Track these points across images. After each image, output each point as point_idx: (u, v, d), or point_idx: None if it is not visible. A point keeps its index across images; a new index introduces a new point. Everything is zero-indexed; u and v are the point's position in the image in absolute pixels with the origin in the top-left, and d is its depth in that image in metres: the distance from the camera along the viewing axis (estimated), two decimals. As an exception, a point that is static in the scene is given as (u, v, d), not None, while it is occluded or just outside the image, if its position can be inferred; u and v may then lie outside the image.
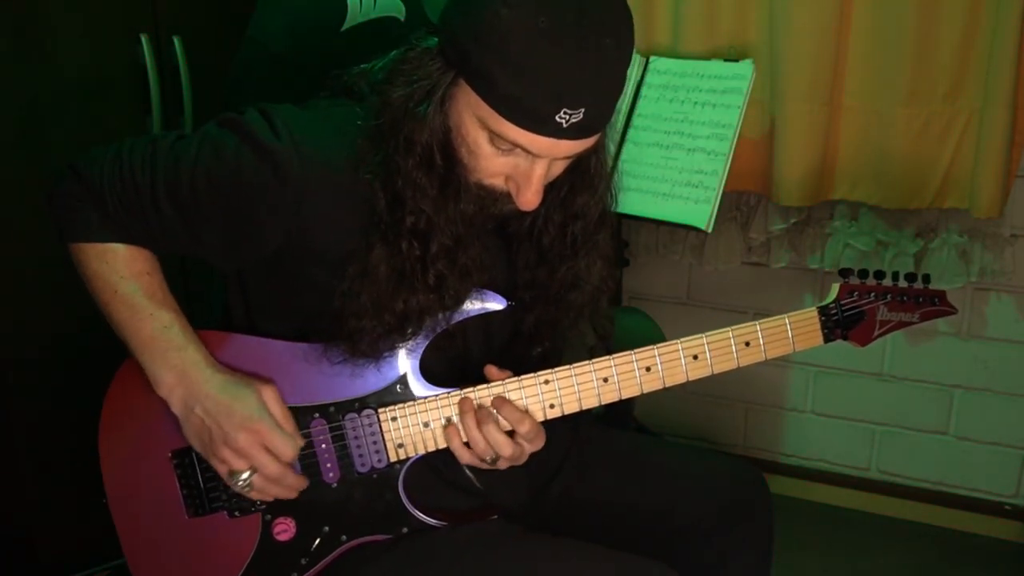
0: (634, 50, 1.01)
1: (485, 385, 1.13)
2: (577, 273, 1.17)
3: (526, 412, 1.12)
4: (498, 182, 1.05)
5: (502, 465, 1.13)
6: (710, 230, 1.80)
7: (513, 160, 1.02)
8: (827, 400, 2.49)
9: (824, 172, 2.12)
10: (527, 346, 1.22)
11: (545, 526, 1.26)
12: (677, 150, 1.88)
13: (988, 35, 1.91)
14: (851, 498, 2.49)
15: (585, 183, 1.13)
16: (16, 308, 1.80)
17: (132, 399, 1.17)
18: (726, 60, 1.90)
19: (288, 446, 1.08)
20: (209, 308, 1.26)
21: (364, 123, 1.07)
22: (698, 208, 1.81)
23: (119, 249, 1.12)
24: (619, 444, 1.37)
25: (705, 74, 1.90)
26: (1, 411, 1.81)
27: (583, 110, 0.95)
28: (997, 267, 2.14)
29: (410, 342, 1.12)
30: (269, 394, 1.09)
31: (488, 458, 1.12)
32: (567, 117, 0.95)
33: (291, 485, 1.11)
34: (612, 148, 1.92)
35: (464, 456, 1.13)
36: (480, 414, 1.11)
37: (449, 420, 1.13)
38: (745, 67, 1.85)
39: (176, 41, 1.93)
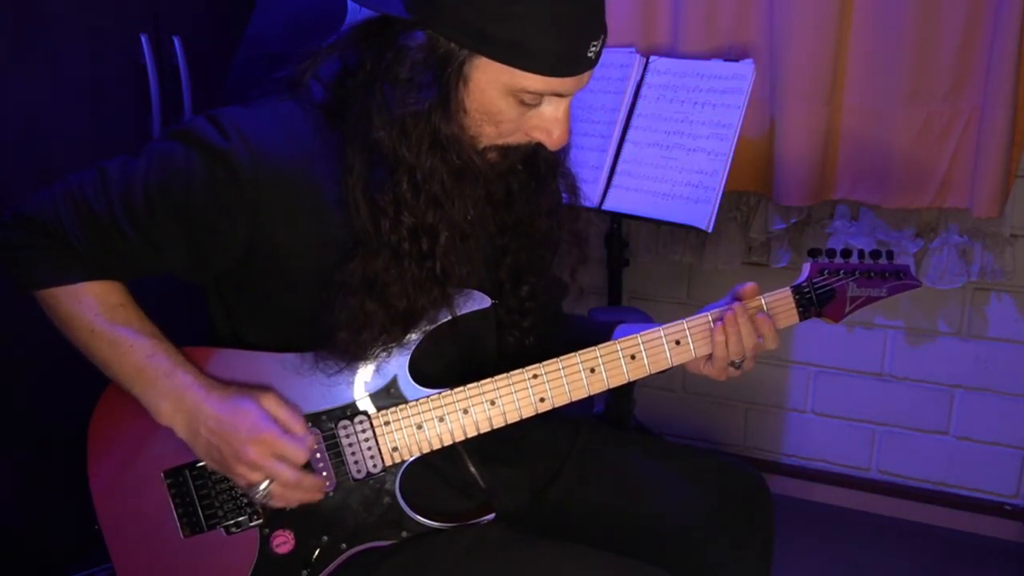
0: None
1: (476, 384, 1.13)
2: (537, 205, 1.20)
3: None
4: (519, 138, 1.08)
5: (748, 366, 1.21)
6: (710, 230, 1.80)
7: (537, 111, 1.05)
8: (827, 400, 2.49)
9: (824, 172, 2.11)
10: (516, 288, 1.23)
11: (546, 529, 1.25)
12: (677, 150, 1.88)
13: (988, 35, 1.91)
14: (851, 498, 2.49)
15: None
16: (16, 308, 1.80)
17: (118, 424, 1.16)
18: (726, 60, 1.90)
19: (298, 449, 1.06)
20: (190, 322, 1.26)
21: (322, 121, 1.07)
22: (698, 208, 1.81)
23: (91, 287, 1.10)
24: (619, 445, 1.37)
25: (705, 74, 1.90)
26: (1, 410, 1.81)
27: (603, 35, 1.03)
28: (997, 267, 2.14)
29: (406, 341, 1.11)
30: (270, 400, 1.08)
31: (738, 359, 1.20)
32: (595, 48, 1.02)
33: (312, 487, 1.09)
34: (611, 145, 1.94)
35: (720, 352, 1.18)
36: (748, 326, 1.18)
37: (465, 411, 1.13)
38: (745, 67, 1.85)
39: (176, 41, 1.93)
